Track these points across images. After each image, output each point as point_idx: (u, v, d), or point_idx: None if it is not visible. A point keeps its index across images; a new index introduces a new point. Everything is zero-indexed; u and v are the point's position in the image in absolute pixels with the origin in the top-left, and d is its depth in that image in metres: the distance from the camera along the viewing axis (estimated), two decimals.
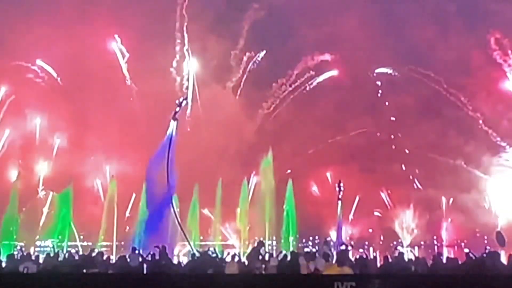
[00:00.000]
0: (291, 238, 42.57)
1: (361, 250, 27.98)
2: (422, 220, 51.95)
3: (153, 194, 30.36)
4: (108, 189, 43.86)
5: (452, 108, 50.98)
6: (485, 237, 46.34)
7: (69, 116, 48.45)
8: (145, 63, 49.15)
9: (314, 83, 51.80)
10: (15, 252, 28.28)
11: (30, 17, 46.73)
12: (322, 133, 51.19)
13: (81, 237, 45.10)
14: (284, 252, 22.42)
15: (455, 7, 50.58)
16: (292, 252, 20.79)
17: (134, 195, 43.61)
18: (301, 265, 16.64)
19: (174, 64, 50.67)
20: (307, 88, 51.65)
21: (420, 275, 15.61)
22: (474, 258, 17.26)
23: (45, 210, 45.78)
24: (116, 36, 49.75)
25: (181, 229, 32.09)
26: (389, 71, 53.56)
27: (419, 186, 52.19)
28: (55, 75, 49.31)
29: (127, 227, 44.06)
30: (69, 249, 33.26)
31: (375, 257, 22.61)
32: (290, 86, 50.86)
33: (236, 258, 18.78)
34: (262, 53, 51.76)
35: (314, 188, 52.38)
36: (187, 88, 50.59)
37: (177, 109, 31.03)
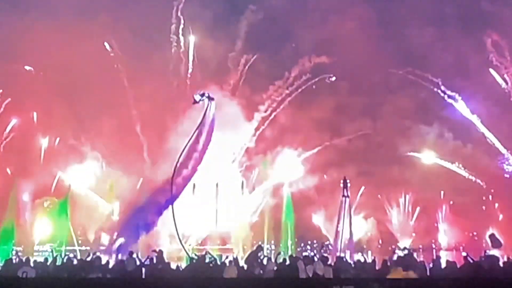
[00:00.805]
0: (289, 242, 42.68)
1: (359, 254, 28.03)
2: (420, 224, 52.03)
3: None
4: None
5: (449, 110, 51.13)
6: (484, 241, 46.50)
7: (67, 119, 48.48)
8: (141, 66, 49.22)
9: (310, 85, 51.67)
10: (13, 257, 28.27)
11: (25, 18, 46.77)
12: (319, 136, 51.22)
13: (79, 241, 45.09)
14: (282, 255, 22.44)
15: (452, 9, 50.88)
16: (290, 256, 20.79)
17: None
18: (300, 269, 16.63)
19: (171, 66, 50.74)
20: (304, 91, 51.56)
21: (418, 279, 15.60)
22: (472, 261, 17.28)
23: (44, 214, 45.69)
24: (112, 37, 49.85)
25: (177, 233, 32.20)
26: (387, 73, 53.61)
27: (417, 189, 52.19)
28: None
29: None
30: (67, 253, 33.25)
31: (373, 261, 22.56)
32: (287, 88, 50.84)
33: (234, 262, 18.80)
34: (258, 56, 51.71)
35: (312, 192, 52.38)
36: (184, 91, 50.56)
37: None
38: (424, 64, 51.54)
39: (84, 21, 47.33)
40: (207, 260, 19.09)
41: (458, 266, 17.30)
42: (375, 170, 50.95)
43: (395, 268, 13.69)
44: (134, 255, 19.38)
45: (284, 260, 19.08)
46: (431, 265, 18.75)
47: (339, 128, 52.32)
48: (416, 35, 50.99)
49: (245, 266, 18.12)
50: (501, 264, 17.87)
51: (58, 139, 48.71)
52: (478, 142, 50.18)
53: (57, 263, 19.68)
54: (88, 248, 42.56)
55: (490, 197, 49.50)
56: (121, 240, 35.15)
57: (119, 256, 22.77)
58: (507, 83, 49.93)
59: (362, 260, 21.84)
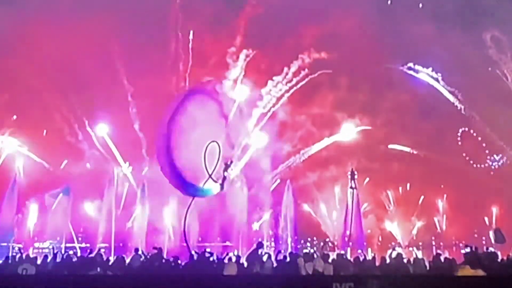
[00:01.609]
0: (289, 239, 42.71)
1: (359, 251, 28.03)
2: (420, 221, 52.04)
3: None
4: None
5: (449, 107, 51.11)
6: (483, 238, 46.47)
7: (66, 115, 48.41)
8: (140, 62, 49.11)
9: (308, 81, 51.49)
10: (13, 254, 28.31)
11: (24, 14, 46.61)
12: (318, 132, 51.13)
13: (79, 238, 45.12)
14: (282, 253, 22.45)
15: (452, 4, 50.69)
16: (290, 253, 20.82)
17: None
18: (300, 266, 16.65)
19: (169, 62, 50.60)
20: (303, 86, 51.37)
21: (418, 276, 15.64)
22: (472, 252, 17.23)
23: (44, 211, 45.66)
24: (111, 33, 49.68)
25: (184, 230, 32.09)
26: (387, 69, 53.49)
27: (417, 185, 52.13)
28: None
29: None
30: (67, 250, 33.31)
31: (373, 258, 22.58)
32: (286, 84, 50.65)
33: (234, 259, 18.81)
34: (257, 51, 51.47)
35: (313, 189, 52.36)
36: (182, 87, 50.43)
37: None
38: (425, 59, 51.50)
39: (82, 17, 47.20)
40: (206, 255, 19.12)
41: (458, 263, 17.32)
42: (375, 166, 50.89)
43: (463, 267, 13.55)
44: (140, 252, 19.50)
45: (284, 257, 19.10)
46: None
47: (338, 124, 52.16)
48: (416, 31, 50.81)
49: (245, 264, 18.14)
50: (500, 261, 17.89)
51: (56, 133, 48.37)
52: (477, 139, 50.16)
53: (56, 260, 19.72)
54: (88, 245, 42.64)
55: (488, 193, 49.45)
56: None
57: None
58: (507, 79, 49.91)
59: (362, 257, 21.84)
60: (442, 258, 19.34)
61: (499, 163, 50.55)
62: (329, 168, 50.04)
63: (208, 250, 21.80)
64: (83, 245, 44.08)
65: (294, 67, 50.24)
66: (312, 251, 38.09)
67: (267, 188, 47.58)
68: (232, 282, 13.99)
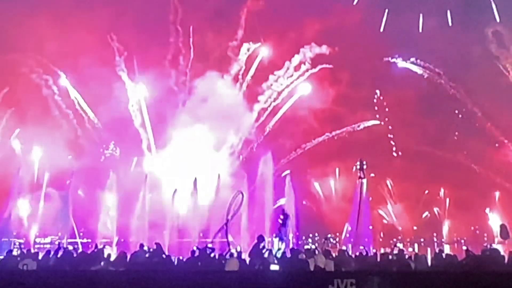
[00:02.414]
0: (290, 235, 42.60)
1: (361, 247, 27.96)
2: (422, 217, 52.00)
3: None
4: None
5: (452, 102, 51.02)
6: (485, 234, 46.44)
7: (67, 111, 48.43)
8: (140, 57, 49.11)
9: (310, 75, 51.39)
10: (15, 249, 28.32)
11: (24, 10, 46.57)
12: (320, 128, 51.07)
13: (81, 234, 45.14)
14: (284, 248, 22.43)
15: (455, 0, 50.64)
16: (292, 249, 20.80)
17: None
18: (302, 262, 16.63)
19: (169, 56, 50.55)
20: (304, 81, 51.23)
21: (419, 272, 15.60)
22: (473, 255, 17.26)
23: (46, 206, 45.66)
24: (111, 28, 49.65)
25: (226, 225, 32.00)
26: (389, 63, 53.39)
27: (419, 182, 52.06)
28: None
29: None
30: (69, 246, 33.31)
31: (375, 254, 22.56)
32: (287, 78, 50.53)
33: (236, 255, 18.79)
34: (259, 45, 51.33)
35: (314, 184, 52.31)
36: (183, 82, 50.39)
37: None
38: (427, 55, 51.42)
39: (82, 11, 47.19)
40: (208, 252, 19.12)
41: (460, 259, 17.30)
42: (377, 162, 50.83)
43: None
44: (146, 248, 19.52)
45: (285, 252, 19.10)
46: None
47: (340, 119, 52.10)
48: (419, 26, 50.76)
49: (247, 259, 18.11)
50: (503, 258, 17.83)
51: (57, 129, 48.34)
52: (480, 134, 50.08)
53: (58, 255, 19.70)
54: (89, 240, 42.68)
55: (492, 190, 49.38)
56: None
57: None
58: (508, 73, 49.80)
59: (364, 253, 21.81)
60: (443, 255, 19.31)
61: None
62: (331, 164, 50.21)
63: (209, 246, 21.83)
64: (85, 240, 44.13)
65: (295, 62, 50.08)
66: (313, 247, 38.06)
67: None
68: (234, 277, 13.97)
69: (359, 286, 11.17)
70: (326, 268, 16.48)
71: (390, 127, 52.61)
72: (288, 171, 46.85)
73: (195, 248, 20.27)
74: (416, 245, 47.96)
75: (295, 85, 50.56)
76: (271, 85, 49.91)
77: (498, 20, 49.17)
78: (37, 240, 44.27)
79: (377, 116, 52.74)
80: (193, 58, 50.28)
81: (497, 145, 50.20)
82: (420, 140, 51.46)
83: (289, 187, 43.91)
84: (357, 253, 20.75)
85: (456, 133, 51.14)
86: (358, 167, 35.06)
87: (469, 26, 49.59)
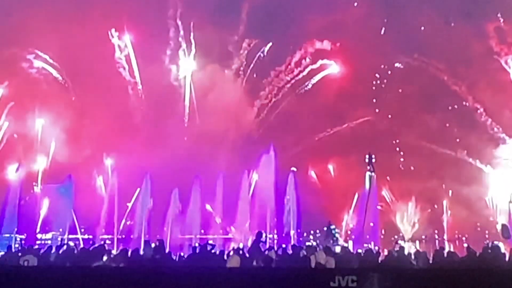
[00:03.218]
0: (292, 232, 42.63)
1: (366, 245, 27.96)
2: (423, 214, 51.90)
3: None
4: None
5: (453, 98, 50.90)
6: (486, 232, 46.36)
7: (67, 108, 48.34)
8: (142, 53, 49.03)
9: (314, 74, 51.30)
10: (16, 245, 28.39)
11: (25, 5, 46.50)
12: (322, 124, 50.97)
13: (82, 230, 45.14)
14: (285, 245, 22.43)
15: None
16: (293, 246, 20.82)
17: None
18: (303, 259, 16.65)
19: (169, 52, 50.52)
20: (307, 78, 51.15)
21: (420, 269, 15.60)
22: (474, 252, 17.28)
23: (46, 203, 45.68)
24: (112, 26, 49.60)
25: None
26: (391, 60, 53.27)
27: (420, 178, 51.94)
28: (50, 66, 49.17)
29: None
30: (70, 242, 33.35)
31: (377, 251, 22.56)
32: (288, 75, 50.45)
33: (238, 251, 18.79)
34: (260, 40, 51.18)
35: (316, 180, 52.21)
36: (184, 77, 50.33)
37: None
38: (429, 51, 51.22)
39: (82, 7, 47.11)
40: (208, 249, 19.13)
41: (461, 256, 17.31)
42: (377, 158, 50.71)
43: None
44: (153, 245, 19.55)
45: (287, 249, 19.10)
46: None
47: (342, 115, 51.98)
48: (420, 22, 50.60)
49: (248, 256, 18.13)
50: (504, 255, 17.84)
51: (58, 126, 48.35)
52: (481, 130, 50.01)
53: (60, 251, 19.74)
54: (90, 236, 42.72)
55: (493, 186, 49.25)
56: None
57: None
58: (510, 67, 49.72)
59: (365, 250, 21.80)
60: (445, 252, 19.31)
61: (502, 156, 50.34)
62: (332, 160, 50.15)
63: (210, 242, 21.84)
64: (86, 236, 44.16)
65: (297, 57, 49.96)
66: (314, 244, 38.07)
67: None
68: (235, 274, 13.96)
69: (360, 283, 11.14)
70: (327, 265, 16.49)
71: (391, 123, 52.52)
72: (294, 168, 47.03)
73: (197, 244, 20.33)
74: (417, 242, 47.87)
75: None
76: (272, 81, 49.86)
77: (500, 15, 49.07)
78: (38, 236, 44.29)
79: (377, 110, 52.66)
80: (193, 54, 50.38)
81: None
82: (422, 136, 51.44)
83: (292, 183, 43.94)
84: (359, 250, 20.72)
85: (458, 130, 51.04)
86: (367, 160, 34.35)
87: (471, 22, 49.50)
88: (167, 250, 19.75)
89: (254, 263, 16.76)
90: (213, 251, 19.07)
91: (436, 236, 52.31)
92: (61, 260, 18.07)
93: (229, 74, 50.39)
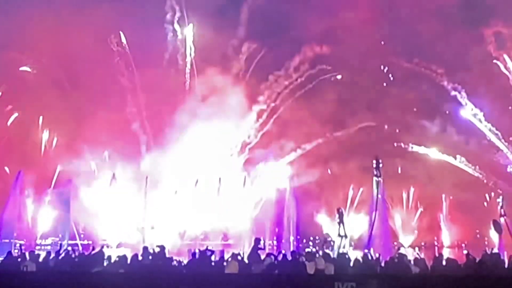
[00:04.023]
0: (291, 238, 42.58)
1: (366, 251, 27.79)
2: (422, 221, 51.86)
3: None
4: None
5: (453, 104, 50.96)
6: (486, 238, 46.29)
7: (64, 110, 48.35)
8: (141, 53, 49.06)
9: (313, 78, 51.25)
10: (15, 251, 28.28)
11: (22, 8, 46.57)
12: (321, 129, 50.94)
13: (81, 235, 45.09)
14: (284, 251, 22.37)
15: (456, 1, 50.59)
16: (292, 252, 20.76)
17: None
18: (302, 265, 16.62)
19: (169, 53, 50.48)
20: (305, 82, 51.08)
21: (419, 276, 15.59)
22: (474, 259, 17.25)
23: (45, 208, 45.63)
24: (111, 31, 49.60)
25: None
26: (391, 64, 53.34)
27: (420, 184, 51.87)
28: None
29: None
30: (69, 247, 33.25)
31: (377, 258, 22.49)
32: (287, 79, 50.39)
33: (236, 257, 18.76)
34: (259, 44, 51.08)
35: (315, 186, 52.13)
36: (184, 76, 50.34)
37: None
38: (428, 56, 51.36)
39: (81, 11, 47.18)
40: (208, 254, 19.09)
41: (460, 263, 17.28)
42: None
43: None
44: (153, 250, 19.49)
45: (286, 255, 19.05)
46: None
47: (341, 121, 51.98)
48: (420, 27, 50.73)
49: (247, 262, 18.10)
50: (503, 262, 17.83)
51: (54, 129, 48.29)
52: (481, 137, 50.00)
53: (59, 257, 19.68)
54: (90, 242, 42.63)
55: (493, 194, 49.19)
56: None
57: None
58: (509, 72, 49.82)
59: (365, 257, 21.72)
60: (444, 259, 19.26)
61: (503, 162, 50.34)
62: (331, 166, 50.12)
63: (209, 247, 21.77)
64: (85, 242, 44.09)
65: (296, 62, 49.90)
66: (314, 250, 37.99)
67: None
68: (234, 280, 13.98)
69: None
70: (326, 271, 16.46)
71: (389, 129, 52.57)
72: (289, 173, 46.92)
73: (197, 250, 20.28)
74: (416, 249, 47.78)
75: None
76: (271, 85, 49.78)
77: (499, 20, 49.17)
78: (38, 241, 44.23)
79: (376, 116, 52.67)
80: (193, 57, 50.38)
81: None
82: (421, 141, 51.44)
83: (290, 189, 43.92)
84: (357, 257, 20.63)
85: (457, 135, 51.06)
86: (374, 165, 33.66)
87: (470, 27, 49.62)
88: (167, 256, 19.67)
89: (253, 268, 16.73)
90: (212, 257, 19.03)
91: (436, 243, 52.28)
92: (60, 266, 18.04)
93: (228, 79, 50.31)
